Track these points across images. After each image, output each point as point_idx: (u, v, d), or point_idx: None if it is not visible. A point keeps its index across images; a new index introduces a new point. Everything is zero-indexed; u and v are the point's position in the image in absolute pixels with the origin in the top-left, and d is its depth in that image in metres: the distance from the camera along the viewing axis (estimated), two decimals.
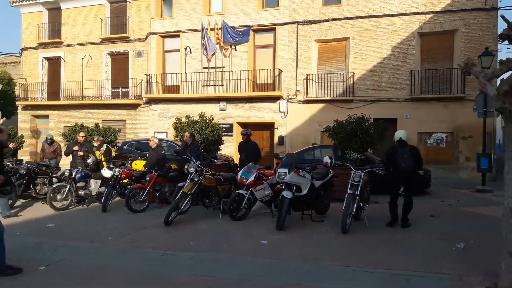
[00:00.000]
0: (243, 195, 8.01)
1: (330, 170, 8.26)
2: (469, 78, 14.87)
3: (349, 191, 7.11)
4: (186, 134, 10.53)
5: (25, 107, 22.30)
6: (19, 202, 9.84)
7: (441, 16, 16.10)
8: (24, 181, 9.70)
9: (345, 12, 17.10)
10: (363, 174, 7.28)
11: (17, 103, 22.67)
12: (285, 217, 7.08)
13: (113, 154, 11.97)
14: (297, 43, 17.63)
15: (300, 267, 5.20)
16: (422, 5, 16.26)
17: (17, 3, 22.19)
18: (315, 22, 17.46)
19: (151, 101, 19.78)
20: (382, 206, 9.83)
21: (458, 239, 6.39)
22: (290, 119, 17.62)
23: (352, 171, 7.33)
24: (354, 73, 16.88)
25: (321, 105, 17.25)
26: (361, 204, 7.48)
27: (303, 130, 17.37)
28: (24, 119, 22.36)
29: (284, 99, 17.69)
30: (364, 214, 7.74)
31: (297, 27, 17.65)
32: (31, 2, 21.88)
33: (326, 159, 8.32)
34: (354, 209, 7.07)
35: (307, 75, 17.42)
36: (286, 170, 7.13)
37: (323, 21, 17.37)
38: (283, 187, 7.35)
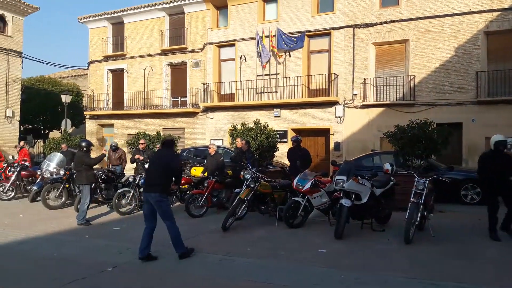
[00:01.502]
0: (299, 203, 7.94)
1: (392, 178, 7.97)
2: None
3: (412, 199, 6.82)
4: (238, 139, 10.65)
5: (92, 117, 23.71)
6: None
7: (510, 13, 15.03)
8: (92, 187, 10.27)
9: (404, 14, 16.51)
10: (427, 181, 6.95)
11: (85, 113, 24.13)
12: (344, 226, 6.92)
13: None
14: (353, 47, 17.28)
15: (360, 277, 5.05)
16: (488, 3, 15.31)
17: (85, 20, 23.74)
18: (372, 25, 17.02)
19: (207, 109, 20.25)
20: (448, 215, 9.35)
21: None
22: (347, 124, 17.25)
23: (416, 179, 7.03)
24: (414, 76, 16.20)
25: (379, 109, 16.73)
26: (425, 213, 7.14)
27: (360, 135, 16.93)
28: (91, 128, 23.78)
29: (340, 104, 17.36)
30: (429, 224, 7.36)
31: (353, 31, 17.31)
32: (97, 18, 23.30)
33: (387, 166, 8.04)
34: (418, 219, 6.75)
35: (364, 79, 16.99)
36: (345, 178, 6.98)
37: (381, 23, 16.88)
38: (341, 195, 7.20)
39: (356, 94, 17.12)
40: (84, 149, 8.83)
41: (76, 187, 10.44)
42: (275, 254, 6.09)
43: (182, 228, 7.86)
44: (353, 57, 17.25)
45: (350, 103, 17.24)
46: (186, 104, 20.83)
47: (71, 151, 13.29)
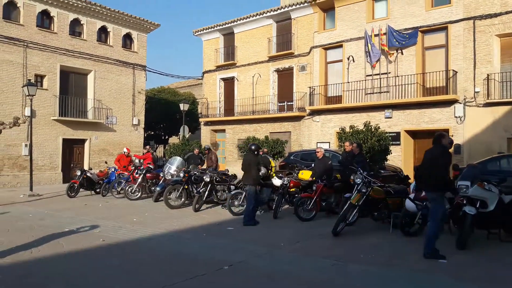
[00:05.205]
0: None
1: None
2: None
3: None
4: (346, 144, 10.40)
5: (206, 123, 25.35)
6: (204, 206, 11.15)
7: None
8: (208, 188, 10.96)
9: None
10: None
11: (200, 119, 25.97)
12: (467, 235, 6.37)
13: (272, 164, 12.45)
14: (474, 41, 15.73)
15: None
16: None
17: (199, 32, 25.55)
18: (496, 15, 15.31)
19: (313, 113, 20.22)
20: None
21: None
22: (468, 124, 15.74)
23: None
24: None
25: (506, 107, 14.94)
26: None
27: (484, 137, 15.30)
28: (205, 134, 25.44)
29: (460, 103, 15.92)
30: None
31: (473, 23, 15.78)
32: (209, 30, 24.93)
33: None
34: None
35: (487, 75, 15.35)
36: (468, 183, 6.40)
37: (506, 13, 15.11)
38: (465, 201, 6.62)
39: (478, 92, 15.56)
40: (253, 152, 9.24)
41: (194, 188, 11.25)
42: (390, 263, 5.84)
43: (291, 231, 8.06)
44: (474, 52, 15.73)
45: (472, 102, 15.73)
46: (293, 108, 21.08)
47: (199, 156, 15.00)
